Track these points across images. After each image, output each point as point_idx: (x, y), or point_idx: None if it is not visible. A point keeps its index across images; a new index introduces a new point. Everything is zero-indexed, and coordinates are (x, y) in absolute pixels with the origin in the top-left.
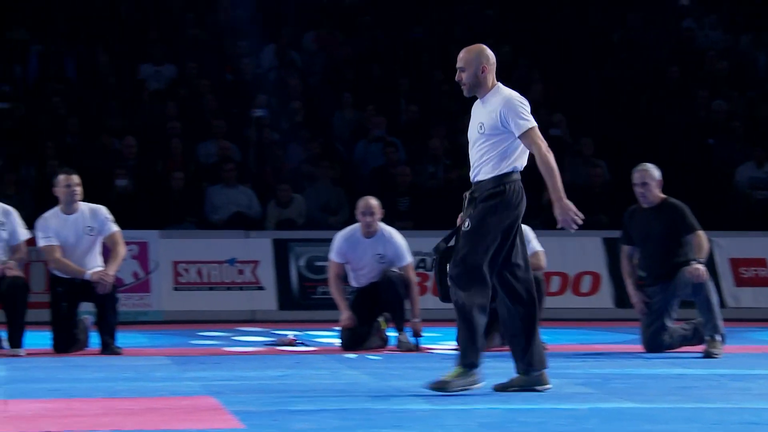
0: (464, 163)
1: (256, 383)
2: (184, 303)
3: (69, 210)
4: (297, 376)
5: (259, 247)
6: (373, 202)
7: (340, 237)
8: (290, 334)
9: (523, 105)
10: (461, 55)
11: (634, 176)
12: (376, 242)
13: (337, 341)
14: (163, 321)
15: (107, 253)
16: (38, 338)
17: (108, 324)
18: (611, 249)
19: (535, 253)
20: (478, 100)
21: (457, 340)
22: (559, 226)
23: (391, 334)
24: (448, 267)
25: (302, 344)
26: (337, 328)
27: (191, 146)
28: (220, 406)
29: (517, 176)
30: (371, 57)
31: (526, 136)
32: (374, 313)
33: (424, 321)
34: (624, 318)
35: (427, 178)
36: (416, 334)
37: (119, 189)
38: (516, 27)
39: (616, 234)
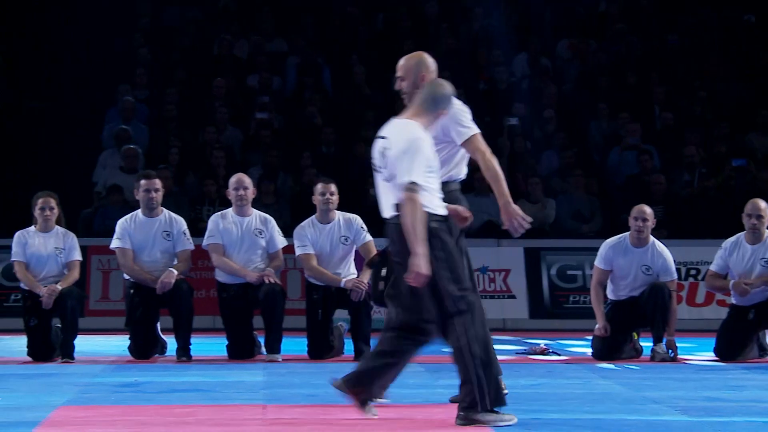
0: (720, 171)
1: (508, 392)
2: None
3: (325, 219)
4: (549, 385)
5: (510, 256)
6: (647, 210)
7: (607, 244)
8: (542, 342)
9: (464, 112)
10: (400, 63)
11: None
12: (645, 253)
13: (589, 351)
14: None
15: (361, 261)
16: (295, 344)
17: (362, 331)
18: None
19: None
20: None
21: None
22: (504, 227)
23: (645, 344)
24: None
25: (554, 353)
26: (589, 337)
27: None
28: None
29: (454, 186)
30: (625, 64)
31: (468, 144)
32: (629, 326)
33: (678, 332)
34: None
35: (681, 187)
36: (670, 346)
37: (373, 198)
38: None
39: None
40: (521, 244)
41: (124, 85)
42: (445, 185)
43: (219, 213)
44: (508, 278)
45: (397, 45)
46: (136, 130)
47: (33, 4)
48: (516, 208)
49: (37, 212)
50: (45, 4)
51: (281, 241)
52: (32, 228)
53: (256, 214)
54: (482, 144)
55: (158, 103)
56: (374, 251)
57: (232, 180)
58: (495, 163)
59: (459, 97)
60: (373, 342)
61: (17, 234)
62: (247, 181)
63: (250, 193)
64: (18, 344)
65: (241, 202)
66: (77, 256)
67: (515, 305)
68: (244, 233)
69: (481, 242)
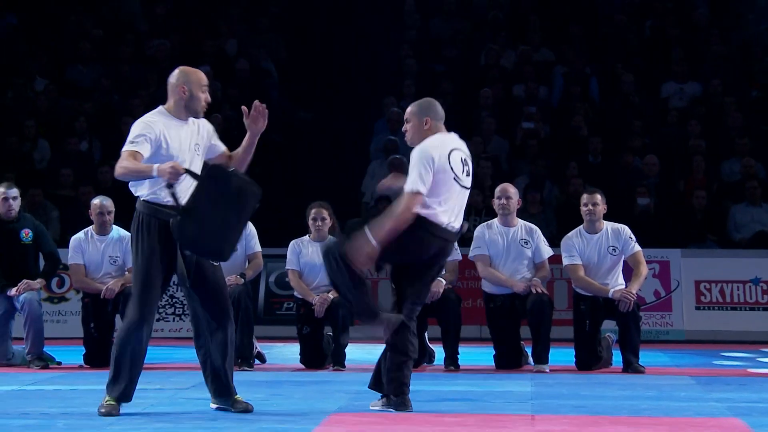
0: None
1: None
2: (706, 323)
3: (592, 229)
4: None
5: None
6: None
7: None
8: None
9: None
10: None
11: None
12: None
13: None
14: (685, 340)
15: (629, 272)
16: (562, 355)
17: (631, 342)
18: None
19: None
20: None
21: None
22: None
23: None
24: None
25: None
26: None
27: (714, 164)
28: (747, 429)
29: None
30: None
31: None
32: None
33: None
34: None
35: None
36: None
37: (641, 207)
38: None
39: None
40: None
41: (390, 97)
42: None
43: (485, 224)
44: None
45: (665, 52)
46: (403, 140)
47: (304, 21)
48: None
49: (310, 222)
50: (316, 20)
51: (547, 251)
52: (306, 237)
53: (521, 224)
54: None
55: None
56: (642, 262)
57: (497, 189)
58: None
59: (730, 106)
60: (642, 353)
61: (292, 243)
62: (512, 190)
63: (514, 203)
64: (291, 351)
65: (505, 212)
66: None
67: None
68: (509, 243)
69: (753, 253)
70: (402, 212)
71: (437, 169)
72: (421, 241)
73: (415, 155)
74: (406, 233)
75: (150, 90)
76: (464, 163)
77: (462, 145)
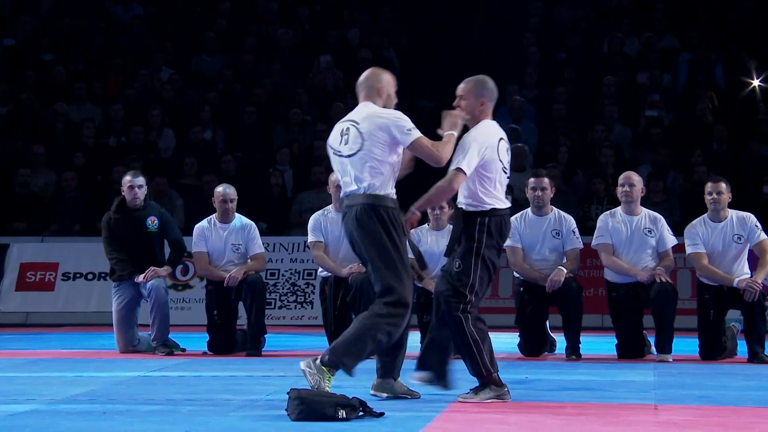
0: None
1: None
2: None
3: (716, 218)
4: None
5: None
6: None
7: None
8: None
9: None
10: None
11: None
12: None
13: None
14: None
15: (754, 260)
16: (686, 345)
17: (756, 332)
18: None
19: None
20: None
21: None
22: None
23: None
24: None
25: None
26: None
27: None
28: None
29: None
30: None
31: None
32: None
33: None
34: None
35: None
36: None
37: (766, 196)
38: None
39: None
40: None
41: (513, 85)
42: None
43: (608, 212)
44: None
45: None
46: (525, 129)
47: (426, 9)
48: None
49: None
50: (438, 8)
51: (671, 240)
52: (425, 226)
53: (645, 212)
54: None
55: (548, 102)
56: (767, 250)
57: (621, 177)
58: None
59: None
60: None
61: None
62: (636, 178)
63: (638, 191)
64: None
65: (629, 200)
66: None
67: None
68: (633, 232)
69: None
70: (445, 186)
71: (489, 158)
72: (501, 226)
73: (470, 136)
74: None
75: (274, 79)
76: (507, 152)
77: (504, 134)
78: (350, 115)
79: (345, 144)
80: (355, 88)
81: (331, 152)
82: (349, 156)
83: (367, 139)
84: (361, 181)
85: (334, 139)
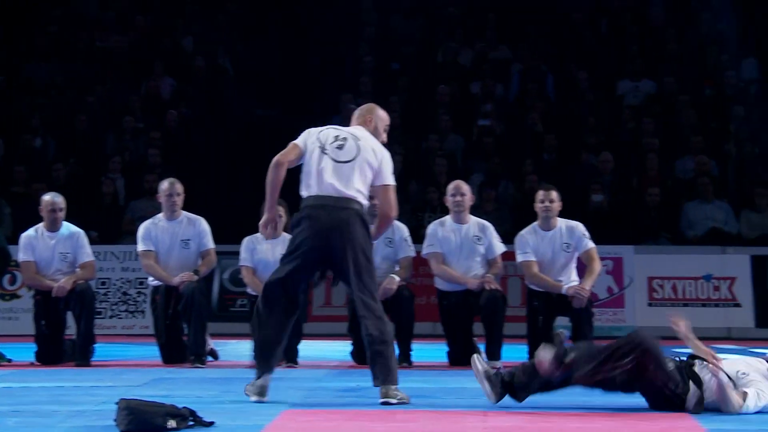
0: None
1: None
2: (659, 319)
3: (546, 226)
4: None
5: (736, 264)
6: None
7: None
8: None
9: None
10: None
11: None
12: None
13: None
14: None
15: (582, 268)
16: (515, 351)
17: (583, 338)
18: None
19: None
20: None
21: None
22: None
23: None
24: None
25: None
26: None
27: (668, 161)
28: (698, 426)
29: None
30: None
31: None
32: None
33: None
34: None
35: None
36: None
37: (595, 204)
38: None
39: None
40: (747, 252)
41: (347, 94)
42: None
43: (438, 221)
44: (733, 286)
45: (620, 51)
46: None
47: (262, 17)
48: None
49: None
50: (273, 16)
51: (500, 247)
52: (259, 234)
53: (474, 220)
54: None
55: None
56: (596, 258)
57: (450, 186)
58: None
59: (684, 103)
60: None
61: (245, 240)
62: (465, 187)
63: (468, 199)
64: (245, 348)
65: (459, 209)
66: None
67: (741, 314)
68: (462, 240)
69: (706, 249)
70: None
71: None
72: None
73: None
74: None
75: (106, 87)
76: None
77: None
78: (346, 128)
79: (340, 149)
80: (351, 113)
81: (316, 146)
82: (344, 162)
83: (361, 154)
84: (353, 188)
85: (325, 136)
